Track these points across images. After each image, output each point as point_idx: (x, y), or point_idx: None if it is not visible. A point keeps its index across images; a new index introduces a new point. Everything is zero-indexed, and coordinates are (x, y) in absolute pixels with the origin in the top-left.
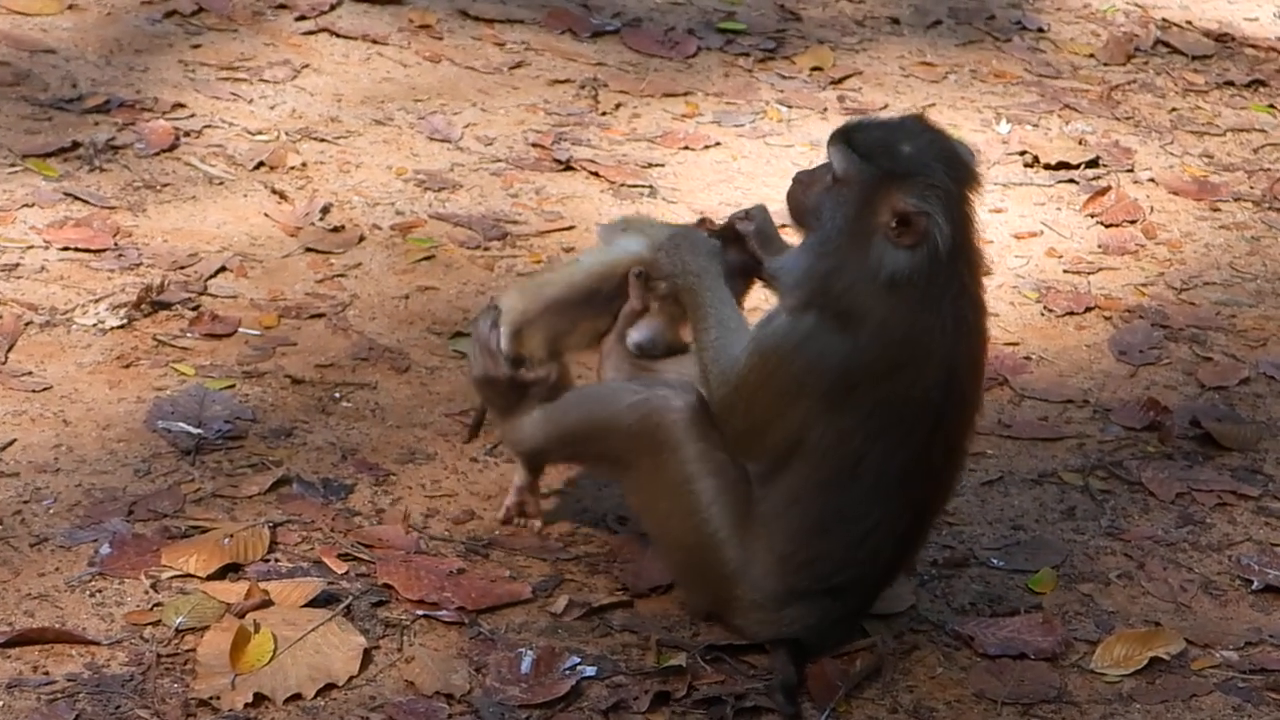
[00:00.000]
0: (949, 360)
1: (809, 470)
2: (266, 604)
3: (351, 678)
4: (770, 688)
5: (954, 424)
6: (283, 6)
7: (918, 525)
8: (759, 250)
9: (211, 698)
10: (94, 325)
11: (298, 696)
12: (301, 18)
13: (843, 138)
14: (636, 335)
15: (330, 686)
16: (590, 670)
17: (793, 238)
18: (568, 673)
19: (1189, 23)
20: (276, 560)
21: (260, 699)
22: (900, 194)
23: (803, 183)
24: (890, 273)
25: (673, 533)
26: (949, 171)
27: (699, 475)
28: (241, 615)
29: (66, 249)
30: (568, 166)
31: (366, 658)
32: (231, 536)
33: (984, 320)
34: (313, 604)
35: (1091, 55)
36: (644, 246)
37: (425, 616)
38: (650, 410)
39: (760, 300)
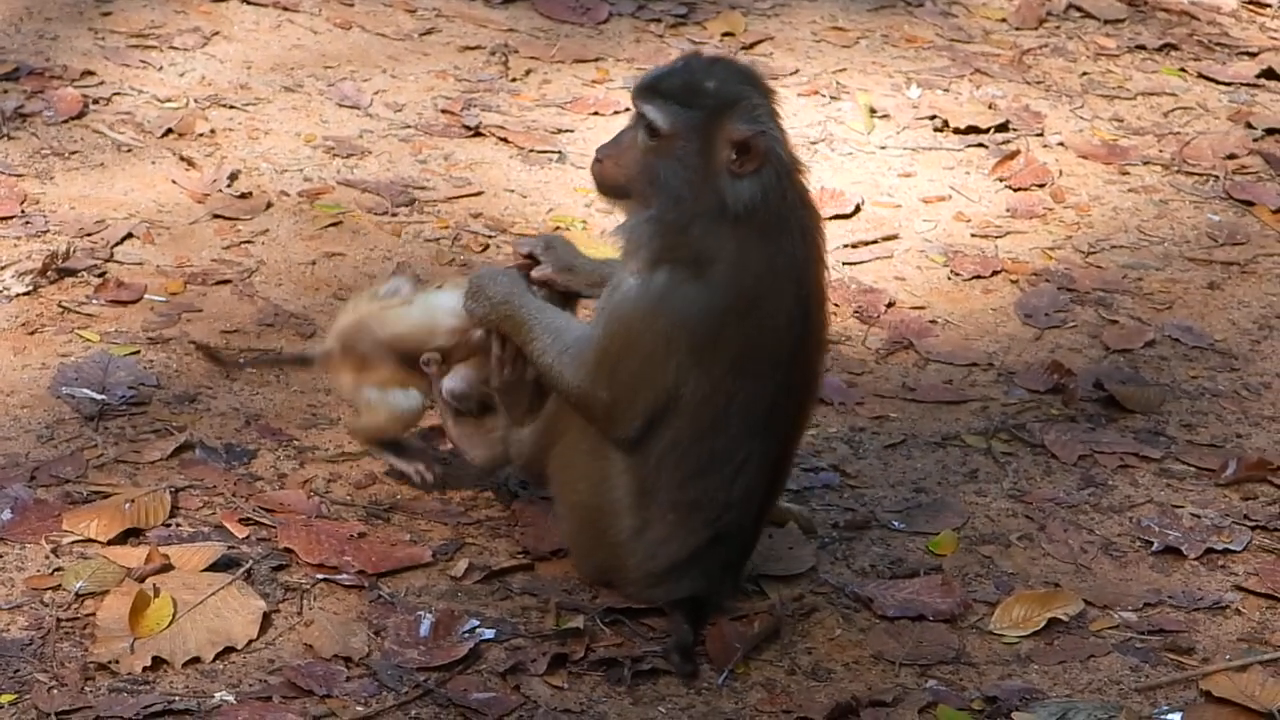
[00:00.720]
0: (805, 282)
1: (684, 423)
2: (167, 569)
3: (250, 641)
4: (666, 649)
5: (810, 348)
6: None
7: (784, 455)
8: (569, 284)
9: (110, 661)
10: (0, 292)
11: (196, 660)
12: None
13: (654, 93)
14: (449, 383)
15: (229, 650)
16: (489, 633)
17: (599, 250)
18: (466, 635)
19: None
20: (178, 525)
21: (159, 662)
22: (732, 124)
23: (613, 156)
24: (739, 205)
25: (579, 496)
26: (758, 90)
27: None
28: (141, 580)
29: None
30: (477, 133)
31: (266, 621)
32: (133, 501)
33: (823, 238)
34: (213, 568)
35: (1003, 20)
36: (455, 301)
37: (325, 580)
38: None
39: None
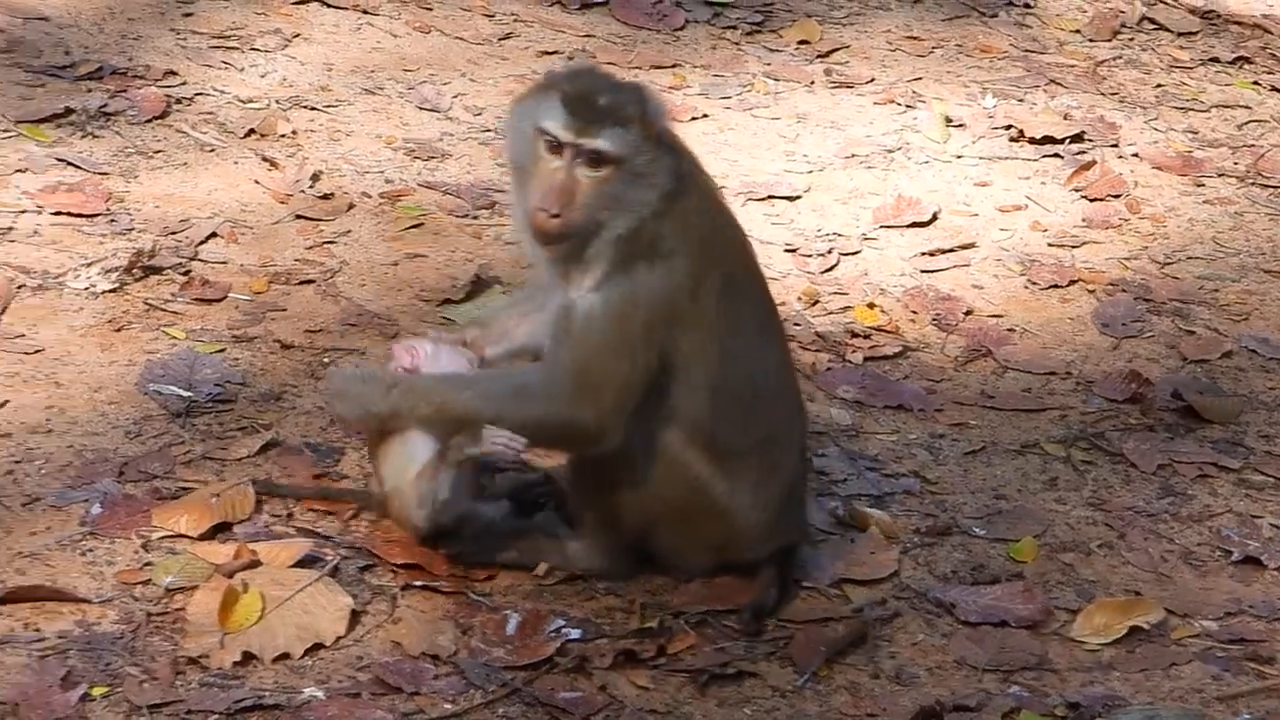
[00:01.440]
0: (724, 204)
1: (703, 372)
2: (255, 565)
3: (339, 638)
4: (742, 608)
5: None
6: None
7: (789, 357)
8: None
9: (200, 656)
10: (86, 289)
11: (286, 655)
12: None
13: (591, 126)
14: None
15: (318, 646)
16: (575, 633)
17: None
18: (553, 635)
19: None
20: (265, 522)
21: (249, 657)
22: (652, 122)
23: (562, 203)
24: (669, 186)
25: (666, 503)
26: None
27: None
28: (231, 575)
29: (59, 213)
30: None
31: (354, 619)
32: (219, 496)
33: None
34: (300, 565)
35: (1078, 31)
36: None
37: (412, 583)
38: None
39: None
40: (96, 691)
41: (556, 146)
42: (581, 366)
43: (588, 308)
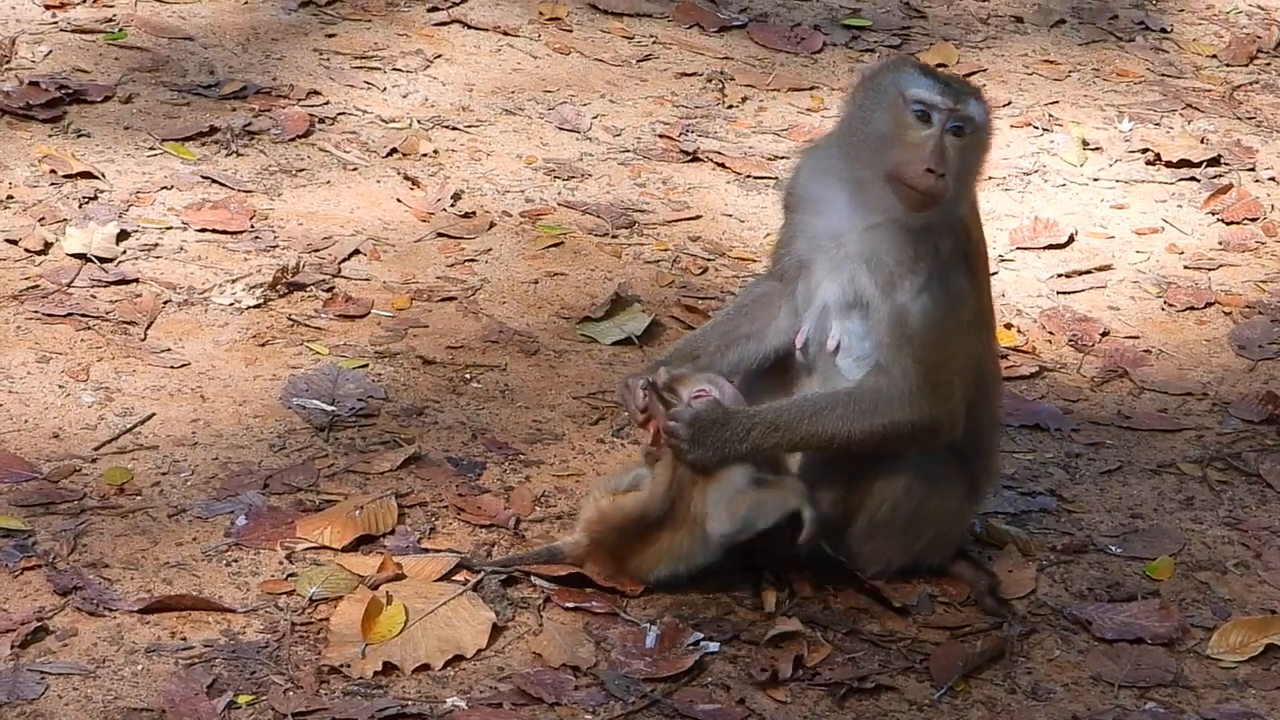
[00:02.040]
0: None
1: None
2: (399, 577)
3: (480, 650)
4: (979, 593)
5: None
6: None
7: None
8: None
9: (342, 665)
10: (230, 304)
11: (426, 667)
12: (434, 9)
13: (962, 94)
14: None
15: (458, 658)
16: (714, 646)
17: None
18: (691, 648)
19: None
20: (409, 534)
21: (389, 667)
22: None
23: (944, 168)
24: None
25: (907, 510)
26: None
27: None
28: (375, 587)
29: (204, 230)
30: (694, 158)
31: (495, 633)
32: (362, 509)
33: None
34: (444, 579)
35: (1214, 56)
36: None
37: (559, 601)
38: None
39: None
40: (242, 699)
41: (925, 116)
42: (931, 366)
43: (922, 310)
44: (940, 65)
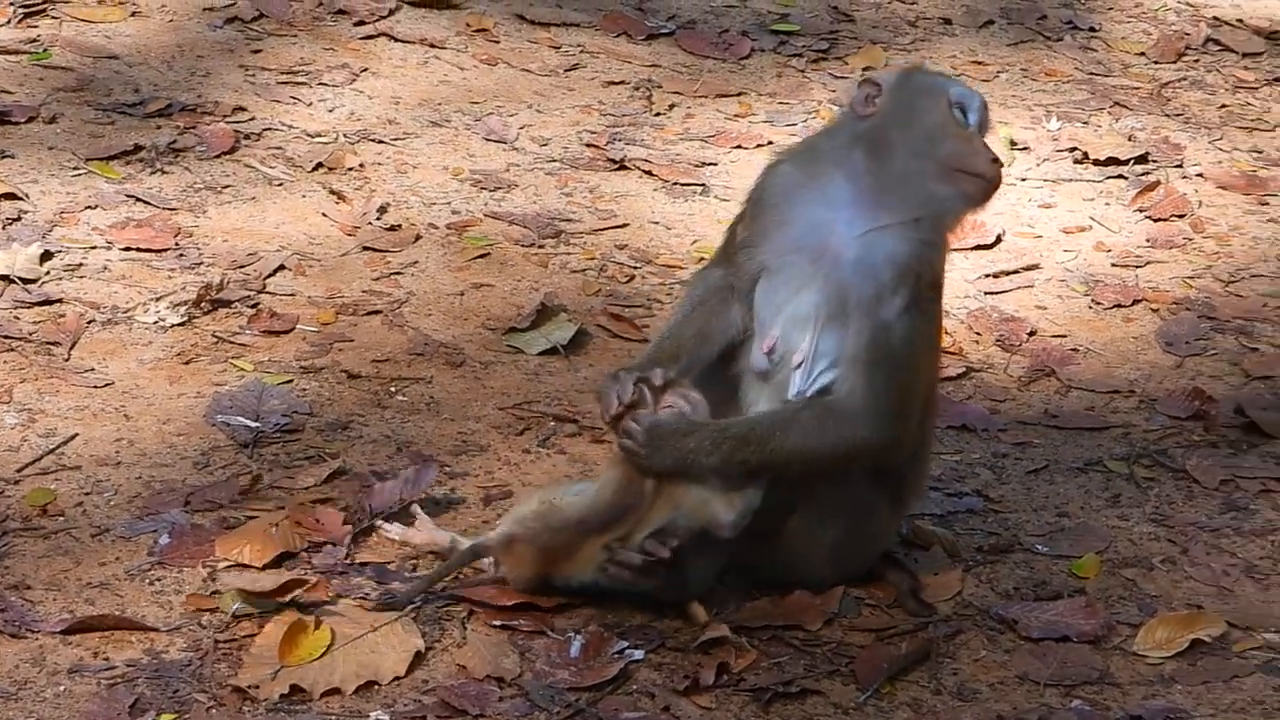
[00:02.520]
0: None
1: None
2: (329, 600)
3: (397, 678)
4: (902, 595)
5: None
6: (341, 12)
7: None
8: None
9: (250, 686)
10: (155, 323)
11: (336, 691)
12: (360, 23)
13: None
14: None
15: (372, 684)
16: (638, 654)
17: None
18: (616, 656)
19: (1240, 21)
20: (334, 551)
21: (296, 690)
22: None
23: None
24: None
25: (838, 529)
26: None
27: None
28: (303, 609)
29: (128, 249)
30: (622, 166)
31: (418, 659)
32: (278, 526)
33: None
34: (376, 604)
35: (1142, 53)
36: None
37: (476, 611)
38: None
39: None
40: (164, 718)
41: (965, 113)
42: (904, 386)
43: (904, 329)
44: (868, 69)
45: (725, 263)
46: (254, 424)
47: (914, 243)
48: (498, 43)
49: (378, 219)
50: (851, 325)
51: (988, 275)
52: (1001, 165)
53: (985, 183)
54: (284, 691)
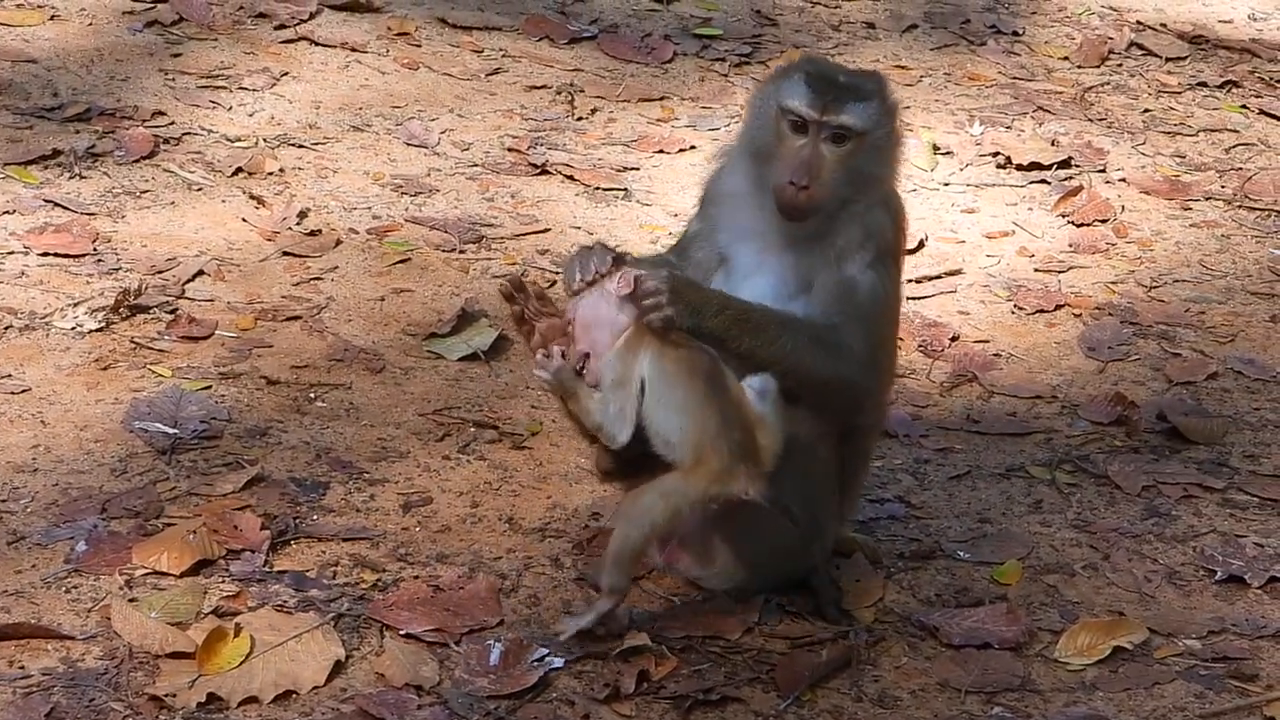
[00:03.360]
0: None
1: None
2: (247, 608)
3: (316, 688)
4: (822, 603)
5: None
6: (262, 15)
7: None
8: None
9: (167, 695)
10: (72, 329)
11: (254, 700)
12: (281, 26)
13: (837, 103)
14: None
15: (290, 694)
16: (558, 661)
17: None
18: (536, 664)
19: (1164, 25)
20: (253, 558)
21: (213, 699)
22: (894, 103)
23: (811, 178)
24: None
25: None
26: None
27: None
28: (222, 616)
29: (46, 254)
30: (543, 170)
31: (337, 669)
32: (195, 533)
33: None
34: (296, 609)
35: (1066, 58)
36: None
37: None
38: None
39: None
40: None
41: (801, 125)
42: (877, 339)
43: (870, 284)
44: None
45: (677, 256)
46: (172, 430)
47: (858, 216)
48: (419, 47)
49: (298, 224)
50: (817, 288)
51: (910, 280)
52: (800, 188)
53: (784, 206)
54: (200, 700)
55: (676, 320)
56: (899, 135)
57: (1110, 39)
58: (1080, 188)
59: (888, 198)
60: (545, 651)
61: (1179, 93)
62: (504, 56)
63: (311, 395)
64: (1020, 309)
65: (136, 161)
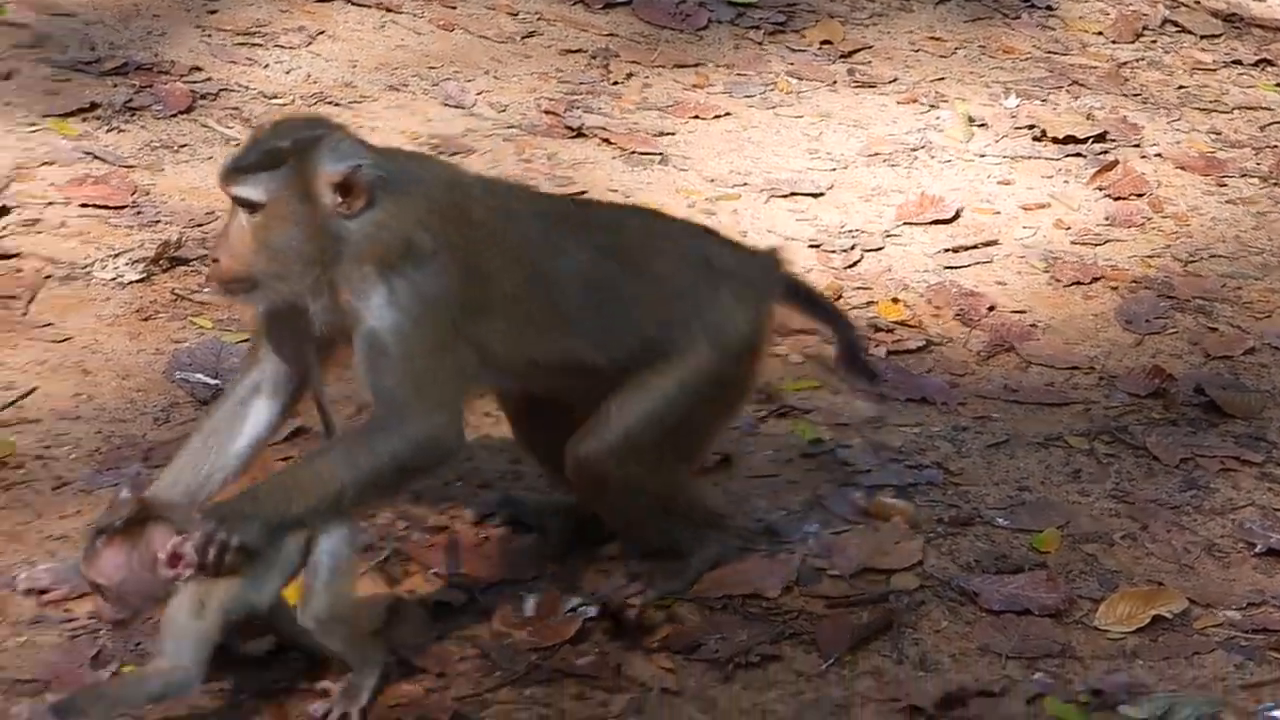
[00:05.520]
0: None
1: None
2: None
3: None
4: (843, 358)
5: None
6: None
7: None
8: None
9: None
10: (113, 279)
11: None
12: None
13: (237, 174)
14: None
15: None
16: (593, 610)
17: None
18: (570, 614)
19: (1197, 2)
20: None
21: None
22: (323, 169)
23: (225, 251)
24: (362, 244)
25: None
26: (331, 128)
27: None
28: None
29: (86, 205)
30: (579, 134)
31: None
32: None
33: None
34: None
35: (1100, 33)
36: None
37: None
38: None
39: None
40: (127, 669)
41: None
42: (417, 375)
43: (393, 322)
44: (825, 42)
45: (255, 363)
46: (213, 381)
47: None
48: (454, 8)
49: None
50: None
51: (947, 250)
52: (212, 260)
53: (208, 277)
54: None
55: (247, 540)
56: (330, 208)
57: (1144, 15)
58: (1116, 162)
59: (387, 224)
60: (580, 601)
61: (1214, 70)
62: (539, 19)
63: None
64: (1057, 280)
65: (174, 116)
